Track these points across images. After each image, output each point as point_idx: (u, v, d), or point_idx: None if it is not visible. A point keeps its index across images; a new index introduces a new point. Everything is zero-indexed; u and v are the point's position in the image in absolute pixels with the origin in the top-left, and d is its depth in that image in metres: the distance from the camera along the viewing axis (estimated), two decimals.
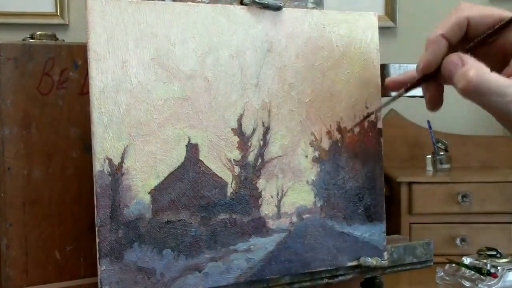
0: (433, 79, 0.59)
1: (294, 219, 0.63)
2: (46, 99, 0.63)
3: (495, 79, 0.53)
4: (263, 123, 0.62)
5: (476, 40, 0.57)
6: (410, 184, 1.86)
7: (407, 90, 0.62)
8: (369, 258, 0.67)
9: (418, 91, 0.73)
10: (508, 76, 0.55)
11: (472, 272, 1.35)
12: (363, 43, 0.67)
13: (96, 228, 0.54)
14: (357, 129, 0.67)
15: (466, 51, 0.57)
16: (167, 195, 0.57)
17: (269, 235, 0.62)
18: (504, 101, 0.52)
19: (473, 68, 0.53)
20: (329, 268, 0.65)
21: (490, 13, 0.57)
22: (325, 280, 0.66)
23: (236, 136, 0.60)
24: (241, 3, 0.61)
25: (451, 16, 0.57)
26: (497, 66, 0.57)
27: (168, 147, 0.57)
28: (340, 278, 0.67)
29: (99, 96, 0.54)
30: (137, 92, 0.56)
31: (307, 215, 0.64)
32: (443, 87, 0.60)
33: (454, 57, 0.56)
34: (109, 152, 0.54)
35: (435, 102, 0.61)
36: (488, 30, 0.56)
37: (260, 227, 0.61)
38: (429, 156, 2.07)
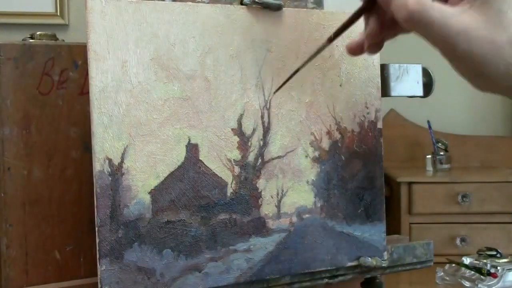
0: (373, 7, 0.55)
1: (294, 219, 0.63)
2: (46, 99, 0.63)
3: (438, 9, 0.49)
4: (263, 123, 0.62)
5: None
6: (410, 184, 1.86)
7: (350, 23, 0.58)
8: (369, 258, 0.67)
9: (418, 91, 0.73)
10: (455, 4, 0.51)
11: (472, 272, 1.34)
12: None
13: (96, 228, 0.54)
14: (357, 129, 0.67)
15: None
16: (167, 195, 0.57)
17: (269, 235, 0.62)
18: (447, 33, 0.49)
19: None
20: (329, 268, 0.65)
21: None
22: (325, 280, 0.66)
23: (236, 136, 0.60)
24: (241, 3, 0.61)
25: None
26: None
27: (168, 147, 0.57)
28: (340, 278, 0.67)
29: (99, 96, 0.54)
30: (137, 92, 0.56)
31: (307, 215, 0.64)
32: (383, 23, 0.56)
33: None
34: (109, 152, 0.54)
35: (373, 36, 0.57)
36: None
37: (260, 227, 0.61)
38: (429, 156, 2.07)
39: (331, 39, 0.58)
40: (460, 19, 0.49)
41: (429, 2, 0.50)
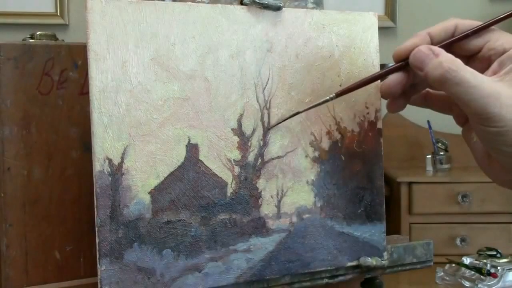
0: (405, 68, 0.59)
1: (294, 219, 0.63)
2: (46, 99, 0.63)
3: (471, 71, 0.53)
4: (263, 123, 0.62)
5: (451, 39, 0.58)
6: (410, 184, 1.86)
7: (382, 75, 0.61)
8: (369, 258, 0.67)
9: None
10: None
11: (472, 272, 1.35)
12: (363, 43, 0.67)
13: (96, 228, 0.54)
14: (357, 129, 0.67)
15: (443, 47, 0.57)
16: (167, 195, 0.57)
17: (269, 235, 0.62)
18: (479, 93, 0.51)
19: (449, 59, 0.53)
20: (329, 268, 0.65)
21: (479, 23, 0.57)
22: (325, 280, 0.66)
23: (236, 136, 0.60)
24: (241, 3, 0.61)
25: (443, 22, 0.59)
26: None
27: (168, 147, 0.57)
28: (340, 278, 0.67)
29: (99, 96, 0.54)
30: (137, 92, 0.56)
31: (307, 215, 0.64)
32: (405, 85, 0.60)
33: (424, 47, 0.56)
34: (109, 152, 0.54)
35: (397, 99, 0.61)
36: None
37: (260, 227, 0.61)
38: (429, 156, 2.07)
39: (339, 95, 0.61)
40: (493, 85, 0.52)
41: (462, 63, 0.53)
